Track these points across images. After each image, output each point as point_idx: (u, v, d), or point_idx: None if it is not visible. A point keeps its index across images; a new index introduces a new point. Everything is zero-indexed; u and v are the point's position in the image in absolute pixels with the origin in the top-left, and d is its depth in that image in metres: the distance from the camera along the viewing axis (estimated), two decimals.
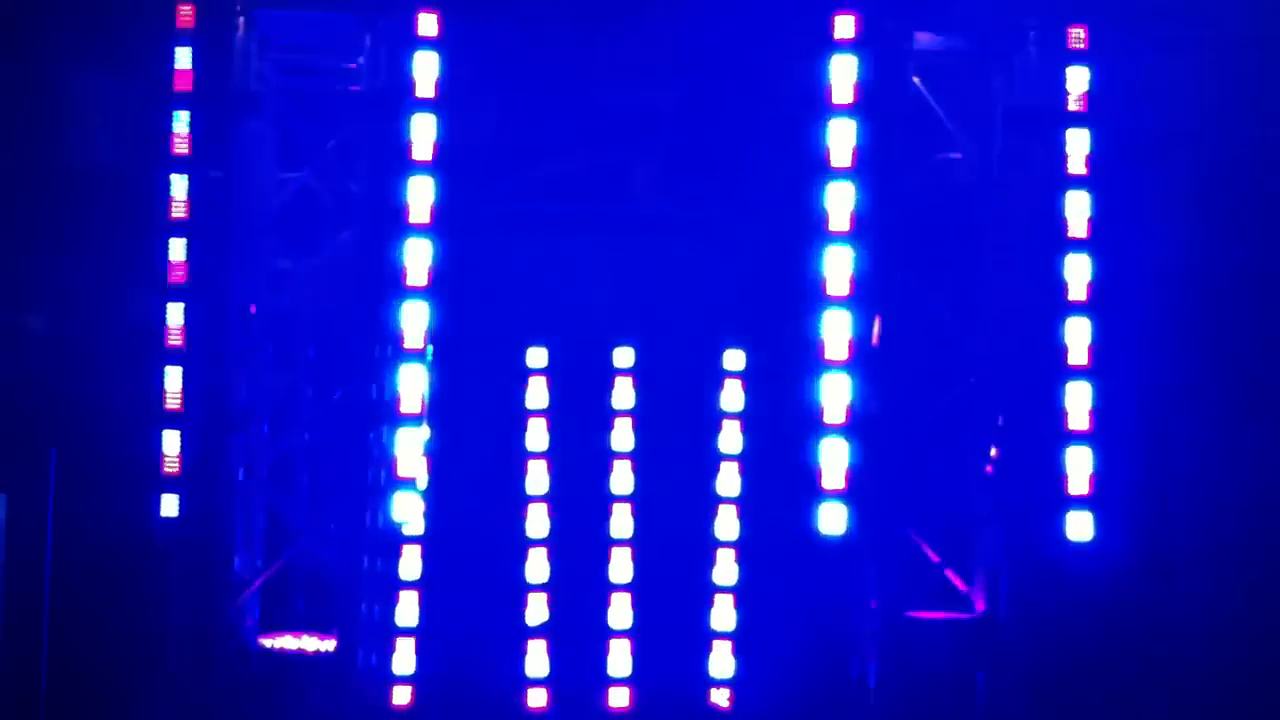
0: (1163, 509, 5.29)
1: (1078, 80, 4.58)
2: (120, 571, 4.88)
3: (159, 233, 4.45)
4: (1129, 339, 4.95)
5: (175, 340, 4.39)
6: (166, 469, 4.39)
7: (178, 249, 4.41)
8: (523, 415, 4.92)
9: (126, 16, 5.42)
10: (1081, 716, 4.74)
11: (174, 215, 4.42)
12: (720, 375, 5.00)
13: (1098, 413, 4.59)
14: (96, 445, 4.81)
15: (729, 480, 4.94)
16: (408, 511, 4.43)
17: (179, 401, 4.39)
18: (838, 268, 4.52)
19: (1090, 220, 4.60)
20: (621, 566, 4.92)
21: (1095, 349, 4.58)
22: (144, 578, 4.72)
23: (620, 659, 4.88)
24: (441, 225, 4.40)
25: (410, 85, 4.38)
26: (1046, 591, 4.65)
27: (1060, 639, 4.71)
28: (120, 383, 4.77)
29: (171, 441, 4.37)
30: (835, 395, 4.50)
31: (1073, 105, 4.57)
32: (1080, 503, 4.59)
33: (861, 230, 4.52)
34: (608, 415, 4.95)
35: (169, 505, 4.38)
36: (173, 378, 4.41)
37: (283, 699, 4.49)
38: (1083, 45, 4.58)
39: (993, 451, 4.72)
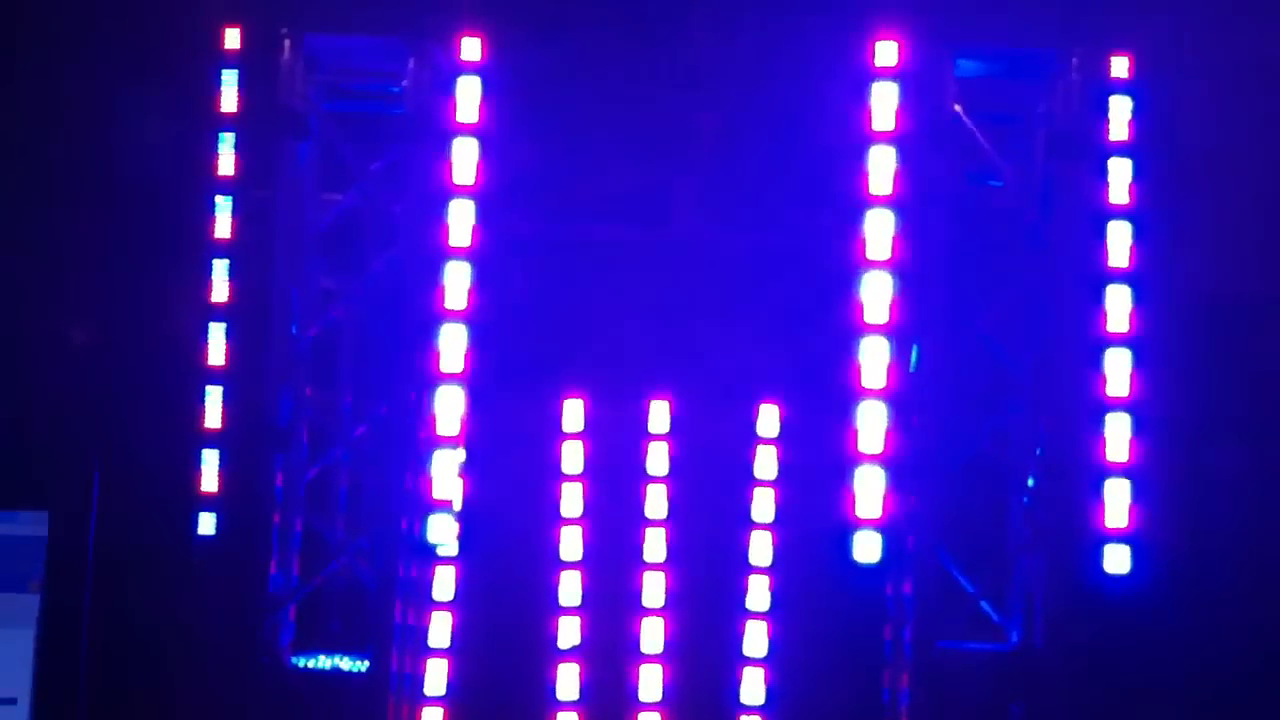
0: (1202, 542, 5.25)
1: (1121, 108, 4.56)
2: (158, 589, 4.92)
3: (202, 253, 4.50)
4: (1171, 371, 4.92)
5: (217, 360, 4.42)
6: (205, 487, 4.42)
7: (220, 269, 4.45)
8: (558, 438, 4.94)
9: (173, 38, 5.49)
10: None
11: (217, 236, 4.46)
12: (757, 399, 4.99)
13: (1138, 445, 4.55)
14: (137, 463, 4.85)
15: (764, 506, 4.94)
16: (443, 533, 4.44)
17: (219, 420, 4.42)
18: (877, 296, 4.50)
19: (1133, 250, 4.57)
20: (655, 590, 4.92)
21: (1136, 381, 4.55)
22: (181, 595, 4.76)
23: (652, 683, 4.88)
24: (482, 249, 4.42)
25: (453, 109, 4.40)
26: (1083, 624, 4.62)
27: (1096, 672, 4.68)
28: (161, 401, 4.81)
29: (210, 460, 4.40)
30: (872, 424, 4.48)
31: (1116, 134, 4.55)
32: (1118, 536, 4.54)
33: (901, 258, 4.51)
34: (643, 438, 4.96)
35: (206, 523, 4.41)
36: (213, 397, 4.44)
37: (318, 717, 4.50)
38: (1126, 74, 4.56)
39: (1030, 482, 4.69)
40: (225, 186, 4.46)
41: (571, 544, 4.91)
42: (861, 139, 4.55)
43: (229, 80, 4.43)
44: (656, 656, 4.88)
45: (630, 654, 4.88)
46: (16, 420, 4.92)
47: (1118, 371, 4.56)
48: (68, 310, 5.17)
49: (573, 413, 4.98)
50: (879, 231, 4.52)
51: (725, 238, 5.15)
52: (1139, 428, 4.55)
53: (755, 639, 4.90)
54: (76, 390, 4.92)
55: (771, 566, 4.93)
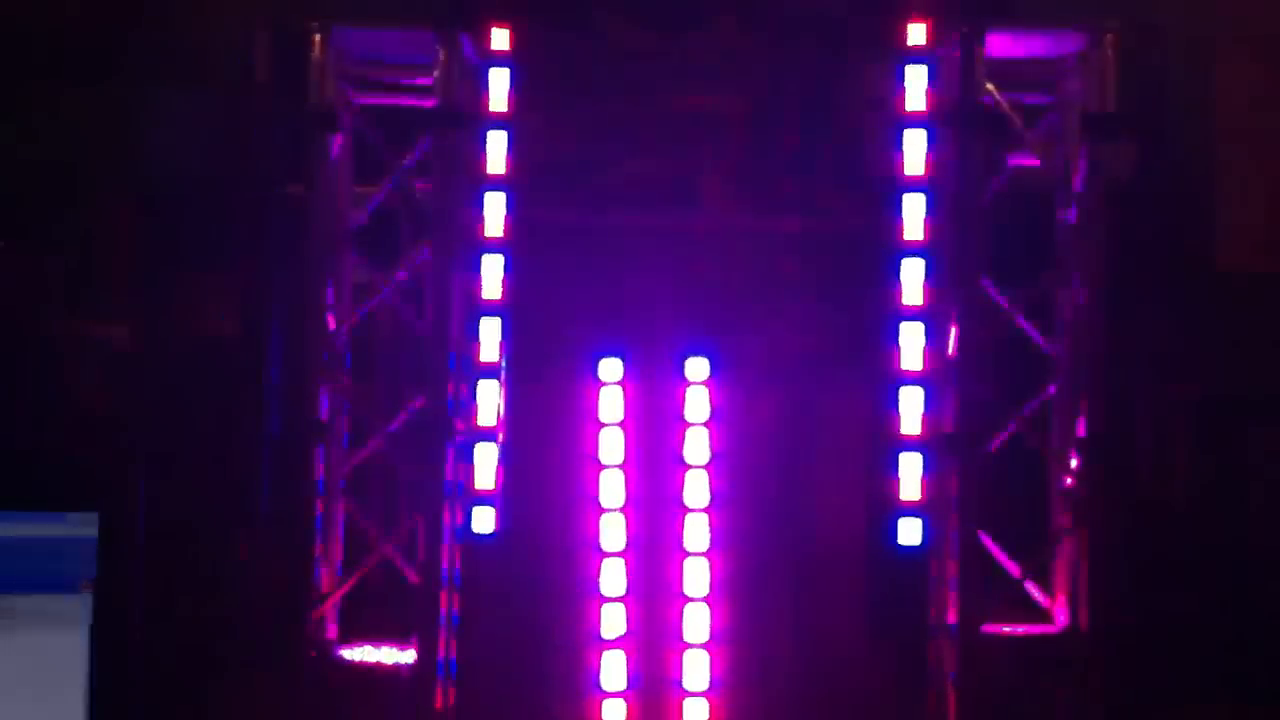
0: (1245, 517, 5.21)
1: (1152, 86, 4.52)
2: (206, 585, 4.96)
3: (243, 249, 4.52)
4: (1210, 345, 4.88)
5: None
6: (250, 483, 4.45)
7: (259, 263, 4.47)
8: (597, 426, 4.94)
9: (206, 37, 5.52)
10: None
11: (253, 230, 4.48)
12: (795, 384, 4.98)
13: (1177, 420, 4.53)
14: (182, 459, 4.89)
15: (804, 491, 4.93)
16: (484, 523, 4.46)
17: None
18: (912, 278, 4.48)
19: (1166, 226, 4.54)
20: (698, 577, 4.92)
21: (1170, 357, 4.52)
22: (227, 590, 4.79)
23: (698, 671, 4.88)
24: (515, 239, 4.42)
25: (484, 101, 4.41)
26: (1128, 605, 4.59)
27: (1142, 653, 4.66)
28: (206, 397, 4.84)
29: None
30: (911, 407, 4.46)
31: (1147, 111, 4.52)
32: (1155, 515, 4.52)
33: (936, 240, 4.48)
34: (682, 425, 4.96)
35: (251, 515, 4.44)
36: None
37: (363, 709, 4.53)
38: (1157, 49, 4.52)
39: (1073, 462, 4.67)
40: (260, 182, 4.48)
41: (614, 532, 4.92)
42: (893, 120, 4.53)
43: (261, 75, 4.45)
44: (703, 643, 4.89)
45: (676, 641, 4.89)
46: (65, 423, 4.97)
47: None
48: (111, 310, 5.21)
49: (610, 400, 4.98)
50: (913, 214, 4.50)
51: (757, 223, 5.14)
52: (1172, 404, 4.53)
53: (802, 624, 4.90)
54: (121, 388, 4.96)
55: (815, 552, 4.92)
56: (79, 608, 1.82)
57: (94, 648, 1.75)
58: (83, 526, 1.84)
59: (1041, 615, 4.69)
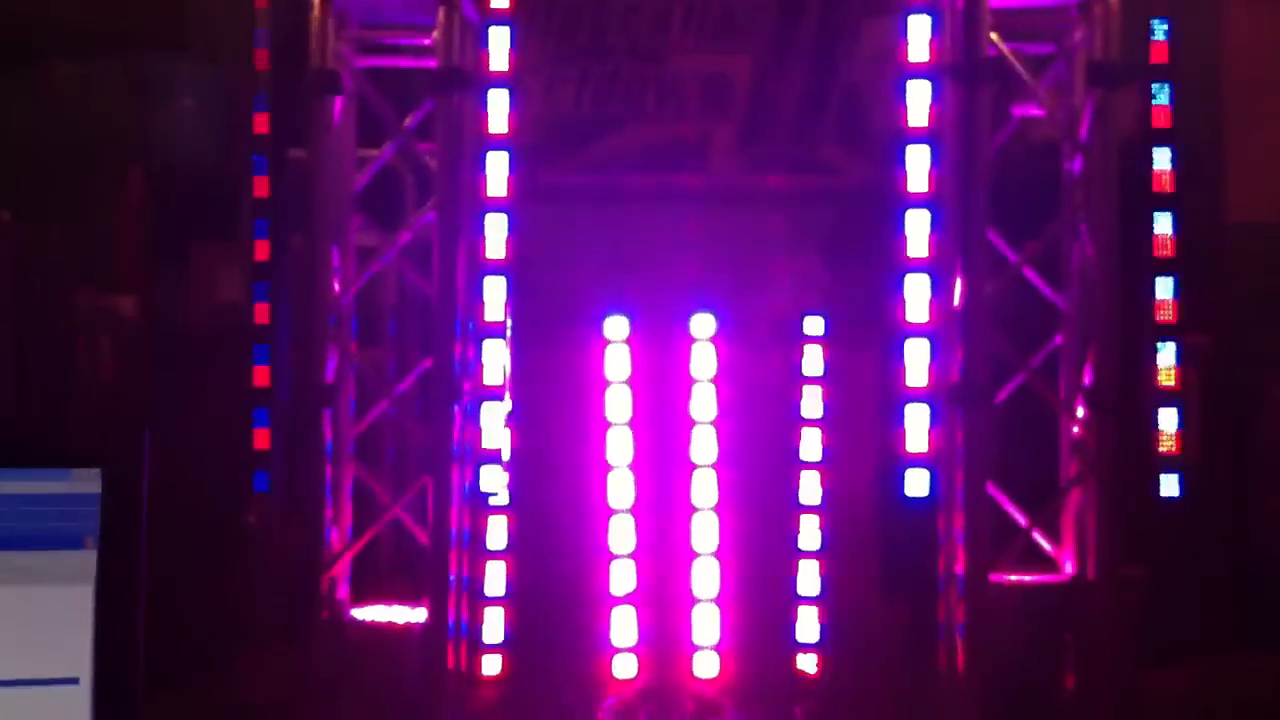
0: (1250, 467, 5.22)
1: (1159, 33, 4.49)
2: (216, 548, 5.00)
3: (243, 213, 4.53)
4: (1216, 297, 4.88)
5: (261, 318, 4.47)
6: (256, 445, 4.47)
7: (261, 229, 4.48)
8: (603, 384, 4.96)
9: (208, 2, 5.51)
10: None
11: (256, 195, 4.49)
12: (800, 341, 4.99)
13: (1185, 372, 4.52)
14: (190, 423, 4.92)
15: (812, 445, 4.95)
16: (493, 482, 4.47)
17: (267, 378, 4.47)
18: (917, 231, 4.47)
19: (1174, 175, 4.52)
20: (706, 533, 4.95)
21: (1181, 307, 4.51)
22: (237, 552, 4.83)
23: (707, 626, 4.91)
24: (518, 199, 4.42)
25: (484, 60, 4.40)
26: (1137, 553, 4.60)
27: (1152, 601, 4.67)
28: (211, 361, 4.87)
29: (261, 418, 4.46)
30: (918, 360, 4.46)
31: (1154, 58, 4.49)
32: (1170, 463, 4.52)
33: (941, 192, 4.47)
34: (688, 383, 4.98)
35: (260, 481, 4.47)
36: (261, 355, 4.49)
37: (376, 668, 4.57)
38: None
39: (1080, 412, 4.67)
40: (261, 145, 4.48)
41: (621, 492, 4.94)
42: (897, 73, 4.50)
43: (260, 38, 4.44)
44: (712, 599, 4.91)
45: (685, 597, 4.92)
46: (68, 378, 5.00)
47: (1164, 298, 4.52)
48: (115, 275, 5.24)
49: (616, 357, 5.00)
50: (918, 166, 4.48)
51: (762, 180, 5.13)
52: (1185, 354, 4.52)
53: (808, 578, 4.92)
54: (127, 350, 4.99)
55: (821, 505, 4.94)
56: (88, 565, 1.84)
57: (99, 605, 1.77)
58: (88, 483, 1.85)
59: (1050, 565, 4.71)
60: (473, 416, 4.40)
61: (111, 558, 1.87)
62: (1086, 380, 4.63)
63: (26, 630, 1.80)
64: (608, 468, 4.98)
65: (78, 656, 1.84)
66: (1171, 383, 4.50)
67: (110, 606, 1.84)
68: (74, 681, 1.84)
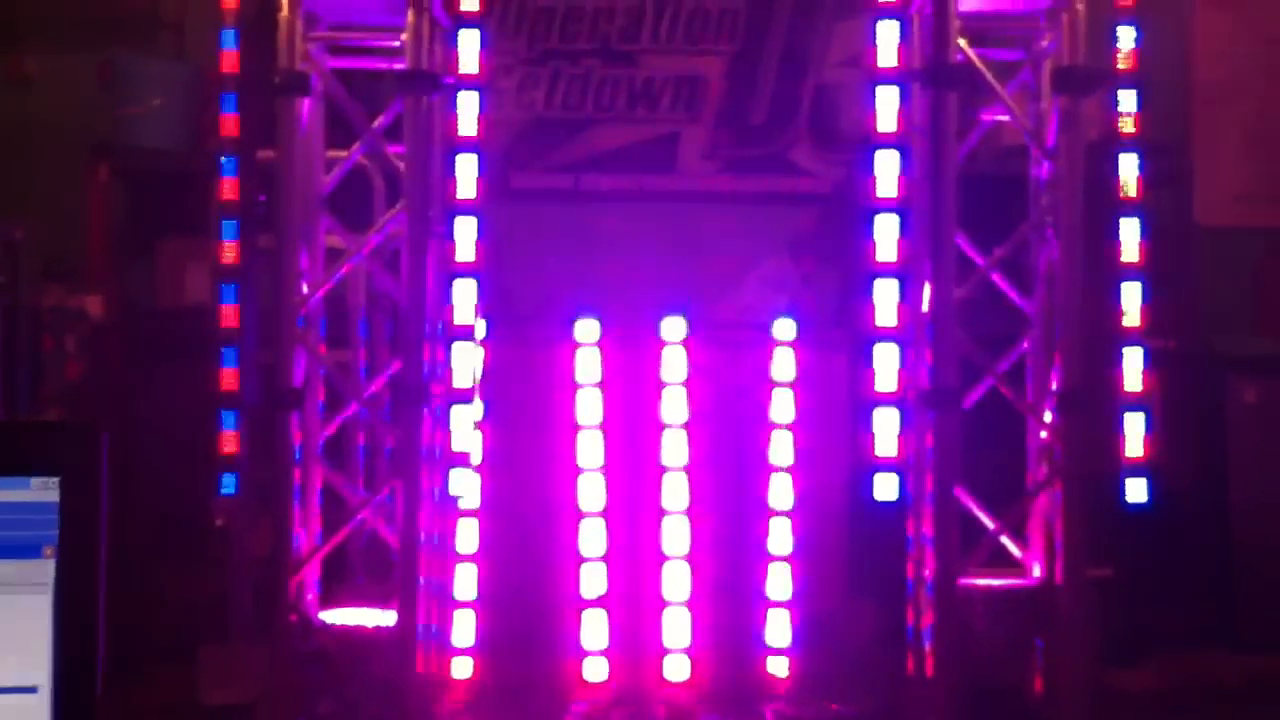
0: (1220, 470, 5.25)
1: (1126, 39, 4.51)
2: (183, 552, 4.98)
3: (211, 215, 4.50)
4: (1183, 301, 4.90)
5: (229, 321, 4.44)
6: (224, 448, 4.45)
7: (229, 230, 4.45)
8: (574, 387, 4.96)
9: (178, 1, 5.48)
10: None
11: (224, 196, 4.47)
12: (771, 344, 5.00)
13: (1152, 376, 4.55)
14: (154, 426, 4.90)
15: (782, 449, 4.96)
16: (463, 485, 4.46)
17: (234, 381, 4.45)
18: (887, 235, 4.48)
19: (1142, 180, 4.54)
20: (677, 536, 4.95)
21: (1148, 312, 4.53)
22: (204, 556, 4.81)
23: (678, 629, 4.92)
24: (488, 202, 4.41)
25: (454, 62, 4.39)
26: (1104, 555, 4.62)
27: (1118, 604, 4.70)
28: (176, 364, 4.84)
29: (228, 421, 4.44)
30: (887, 364, 4.47)
31: (1122, 64, 4.51)
32: (1137, 467, 4.54)
33: (910, 197, 4.48)
34: (659, 386, 4.98)
35: (227, 483, 4.45)
36: (229, 358, 4.47)
37: (344, 671, 4.55)
38: (1131, 2, 4.51)
39: (1048, 416, 4.69)
40: (229, 146, 4.46)
41: (592, 495, 4.94)
42: (866, 77, 4.51)
43: (228, 39, 4.42)
44: (683, 602, 4.92)
45: (656, 601, 4.92)
46: (39, 392, 4.97)
47: (1131, 303, 4.54)
48: (80, 274, 5.21)
49: (587, 361, 5.00)
50: (887, 171, 4.49)
51: (734, 183, 5.14)
52: (1151, 359, 4.55)
53: (779, 581, 4.93)
54: (91, 353, 4.96)
55: (792, 509, 4.95)
56: (46, 574, 1.82)
57: (57, 613, 1.76)
58: (46, 491, 1.83)
59: (1019, 568, 4.72)
60: (442, 419, 4.39)
61: (70, 567, 1.86)
62: (1054, 384, 4.65)
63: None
64: (578, 471, 4.99)
65: (37, 666, 1.83)
66: (1139, 387, 4.52)
67: (69, 615, 1.82)
68: (33, 690, 1.83)
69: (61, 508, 1.87)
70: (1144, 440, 4.52)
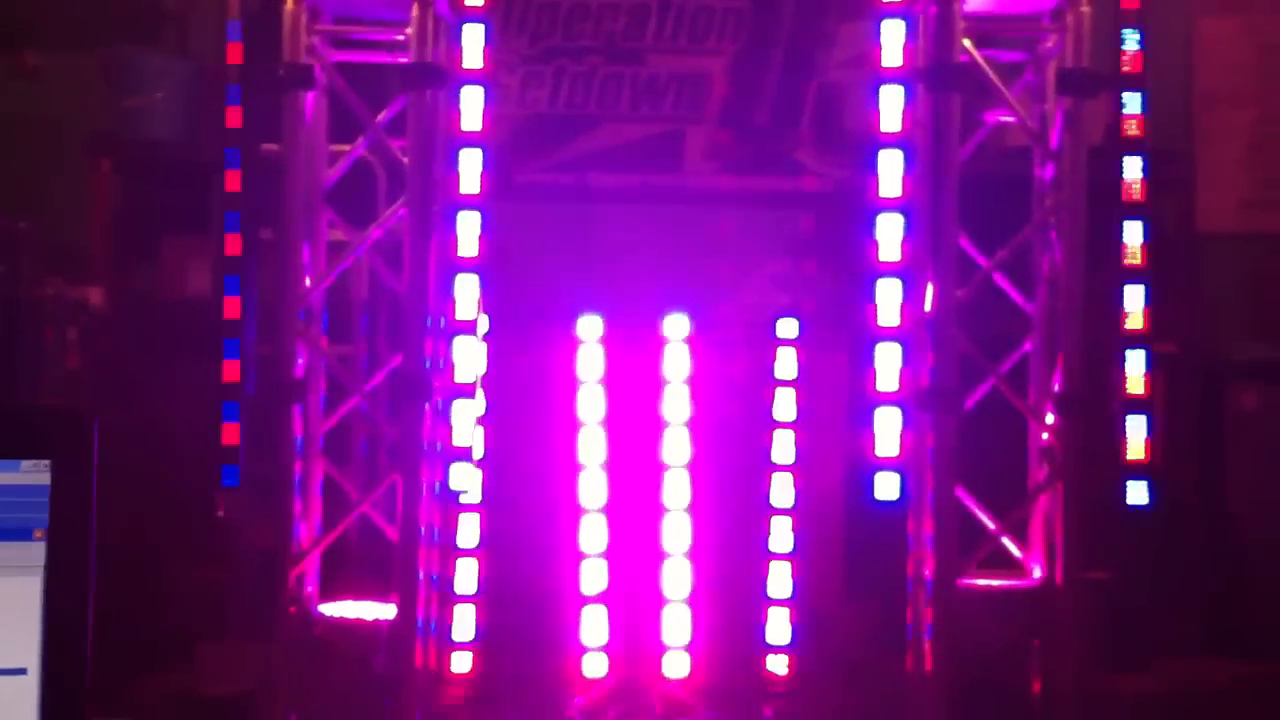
0: (1219, 474, 5.24)
1: (1131, 42, 4.51)
2: (183, 542, 4.99)
3: (213, 207, 4.52)
4: (1185, 305, 4.89)
5: (231, 312, 4.45)
6: (225, 440, 4.46)
7: (232, 223, 4.47)
8: (575, 384, 4.96)
9: None
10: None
11: (227, 189, 4.48)
12: (774, 343, 5.00)
13: (1154, 380, 4.55)
14: (155, 416, 4.91)
15: (784, 448, 4.96)
16: (465, 480, 4.47)
17: (237, 373, 4.46)
18: (890, 235, 4.49)
19: (1145, 184, 4.54)
20: (678, 533, 4.95)
21: (1150, 315, 4.53)
22: (204, 548, 4.82)
23: (678, 626, 4.92)
24: (490, 198, 4.42)
25: (458, 57, 4.39)
26: (1103, 558, 4.62)
27: (1117, 605, 4.69)
28: (179, 355, 4.85)
29: (230, 413, 4.45)
30: (889, 364, 4.47)
31: (1126, 67, 4.51)
32: (1138, 470, 4.54)
33: (914, 197, 4.48)
34: (660, 383, 4.98)
35: (229, 475, 4.46)
36: (231, 349, 4.48)
37: (344, 664, 4.56)
38: (1136, 5, 4.51)
39: (1049, 418, 4.68)
40: (233, 139, 4.47)
41: (593, 492, 4.95)
42: (871, 77, 4.52)
43: (233, 32, 4.43)
44: (683, 599, 4.92)
45: (656, 597, 4.92)
46: (40, 383, 4.98)
47: (1134, 306, 4.54)
48: (81, 265, 5.22)
49: (589, 357, 5.00)
50: (890, 171, 4.49)
51: (737, 182, 5.14)
52: (1155, 363, 4.55)
53: (779, 579, 4.93)
54: (91, 343, 4.97)
55: (793, 507, 4.95)
56: (37, 556, 1.83)
57: (47, 598, 1.76)
58: (37, 474, 1.84)
59: (1018, 569, 4.72)
60: (443, 414, 4.39)
61: (61, 550, 1.87)
62: (1055, 386, 4.65)
63: None
64: (579, 467, 4.99)
65: (27, 648, 1.84)
66: (1140, 390, 4.51)
67: (59, 598, 1.83)
68: (22, 672, 1.84)
69: (53, 491, 1.88)
70: (1145, 443, 4.52)
